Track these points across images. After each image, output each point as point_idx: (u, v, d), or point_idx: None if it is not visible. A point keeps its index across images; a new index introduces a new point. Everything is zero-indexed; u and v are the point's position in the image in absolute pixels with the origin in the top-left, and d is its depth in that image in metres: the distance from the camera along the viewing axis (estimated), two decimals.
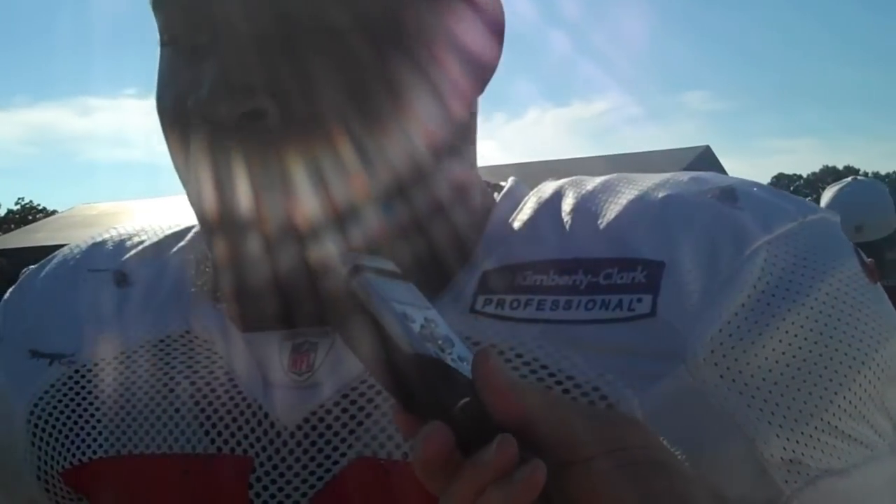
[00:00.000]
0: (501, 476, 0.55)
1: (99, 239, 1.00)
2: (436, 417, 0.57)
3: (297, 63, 0.74)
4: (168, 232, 0.97)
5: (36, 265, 1.00)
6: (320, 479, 0.77)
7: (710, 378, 0.72)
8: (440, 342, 0.60)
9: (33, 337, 0.93)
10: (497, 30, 0.84)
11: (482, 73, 0.84)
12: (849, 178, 4.41)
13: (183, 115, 0.76)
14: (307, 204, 0.74)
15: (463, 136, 0.85)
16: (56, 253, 1.00)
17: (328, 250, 0.73)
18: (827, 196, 4.27)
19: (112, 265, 0.95)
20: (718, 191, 0.81)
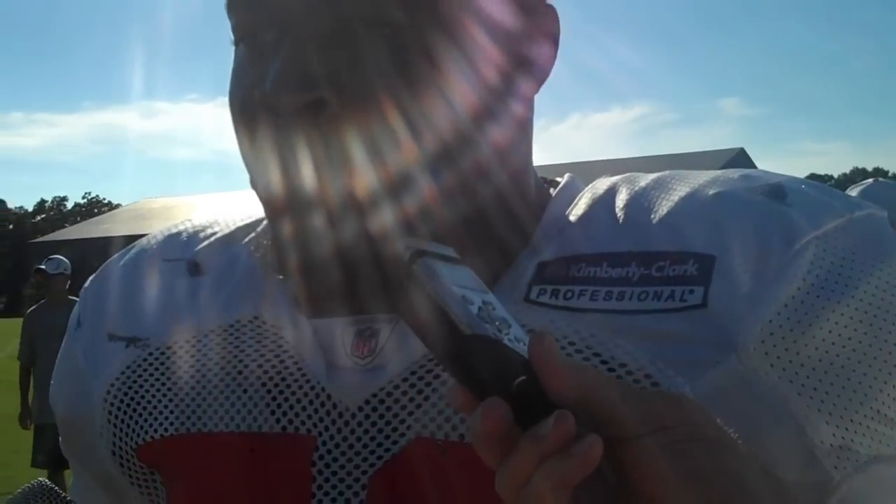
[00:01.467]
0: (558, 450, 0.56)
1: (174, 230, 1.02)
2: (494, 395, 0.58)
3: (354, 57, 0.76)
4: (239, 223, 0.99)
5: (115, 255, 1.02)
6: (380, 458, 0.78)
7: (760, 367, 0.73)
8: (497, 323, 0.61)
9: (111, 321, 0.95)
10: (549, 32, 0.85)
11: (536, 72, 0.85)
12: (870, 180, 4.38)
13: (250, 107, 0.79)
14: (368, 188, 0.75)
15: (520, 130, 0.85)
16: (134, 243, 1.03)
17: (390, 236, 0.74)
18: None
19: (186, 255, 0.97)
20: (768, 188, 0.81)
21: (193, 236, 1.00)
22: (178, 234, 1.01)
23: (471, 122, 0.78)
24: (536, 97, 0.86)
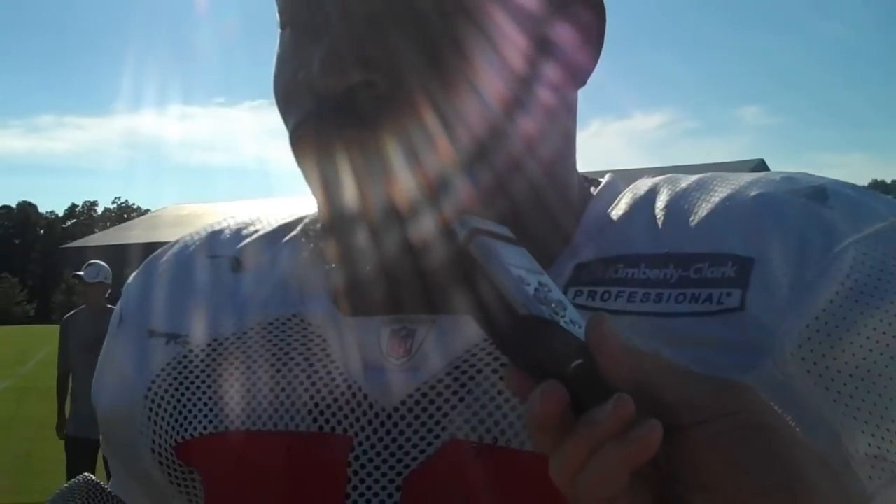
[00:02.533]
0: (616, 435, 0.54)
1: (217, 227, 1.02)
2: (549, 377, 0.57)
3: (401, 39, 0.76)
4: (281, 222, 0.99)
5: (158, 251, 1.03)
6: (415, 459, 0.78)
7: (796, 372, 0.72)
8: (553, 305, 0.60)
9: (152, 318, 0.96)
10: (585, 25, 0.84)
11: (574, 69, 0.84)
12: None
13: (295, 90, 0.79)
14: (417, 179, 0.75)
15: (562, 130, 0.85)
16: (177, 240, 1.03)
17: (445, 214, 0.73)
18: None
19: (228, 252, 0.98)
20: (810, 190, 0.79)
21: (236, 233, 1.00)
22: (221, 230, 1.01)
23: (507, 118, 0.78)
24: None
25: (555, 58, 0.82)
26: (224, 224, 1.03)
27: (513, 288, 0.59)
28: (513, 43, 0.78)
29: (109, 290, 7.47)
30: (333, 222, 0.79)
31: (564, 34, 0.82)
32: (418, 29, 0.76)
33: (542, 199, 0.83)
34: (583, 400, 0.56)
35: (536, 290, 0.60)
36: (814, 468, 0.60)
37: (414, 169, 0.75)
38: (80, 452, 7.11)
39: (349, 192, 0.76)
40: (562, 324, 0.59)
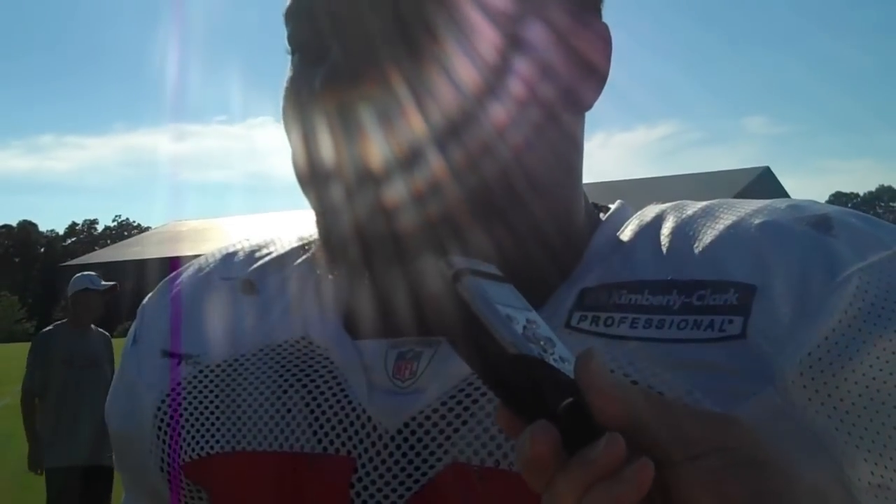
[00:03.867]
0: (608, 474, 0.54)
1: (231, 249, 1.04)
2: (539, 417, 0.57)
3: (402, 58, 0.77)
4: (294, 244, 1.00)
5: (174, 272, 1.04)
6: (416, 481, 0.78)
7: (798, 400, 0.72)
8: (542, 343, 0.60)
9: (165, 338, 0.97)
10: (591, 55, 0.85)
11: (582, 93, 0.85)
12: None
13: (299, 108, 0.81)
14: (412, 211, 0.76)
15: (566, 156, 0.86)
16: (192, 262, 1.04)
17: (432, 256, 0.73)
18: None
19: (241, 274, 0.99)
20: (814, 218, 0.80)
21: (249, 255, 1.01)
22: (235, 253, 1.03)
23: (510, 141, 0.79)
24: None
25: (551, 83, 0.82)
26: (238, 246, 1.04)
27: (501, 327, 0.59)
28: (507, 66, 0.79)
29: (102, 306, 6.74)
30: (337, 247, 0.80)
31: (560, 59, 0.83)
32: (418, 47, 0.77)
33: (549, 227, 0.84)
34: (573, 438, 0.56)
35: (525, 327, 0.60)
36: (810, 500, 0.60)
37: (418, 192, 0.76)
38: (59, 488, 6.41)
39: (327, 150, 0.78)
40: (550, 361, 0.59)
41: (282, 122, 0.85)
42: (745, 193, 60.09)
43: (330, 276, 0.88)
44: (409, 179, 0.76)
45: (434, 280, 0.63)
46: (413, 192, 0.76)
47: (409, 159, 0.76)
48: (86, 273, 6.82)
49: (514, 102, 0.79)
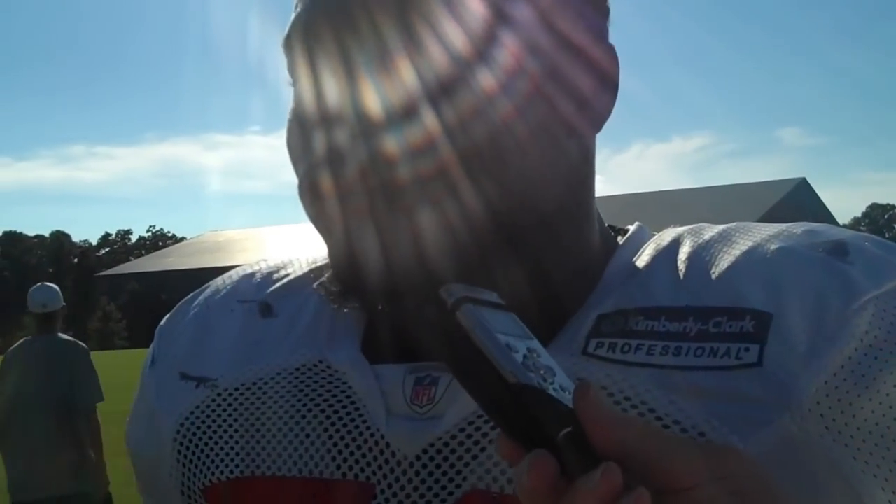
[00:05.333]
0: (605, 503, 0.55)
1: (249, 271, 1.04)
2: (539, 446, 0.57)
3: (411, 89, 0.77)
4: (312, 265, 1.00)
5: (191, 294, 1.04)
6: None
7: (814, 429, 0.72)
8: (542, 372, 0.60)
9: (183, 360, 0.97)
10: (604, 74, 0.85)
11: (592, 114, 0.85)
12: None
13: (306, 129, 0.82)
14: (423, 236, 0.77)
15: (580, 180, 0.86)
16: (210, 283, 1.05)
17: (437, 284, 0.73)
18: None
19: (258, 297, 0.99)
20: (830, 244, 0.80)
21: (267, 278, 1.01)
22: (252, 275, 1.03)
23: (524, 168, 0.79)
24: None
25: (567, 96, 0.82)
26: (256, 268, 1.04)
27: (500, 356, 0.59)
28: (537, 90, 0.79)
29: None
30: (357, 281, 0.80)
31: (576, 77, 0.82)
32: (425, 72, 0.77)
33: (561, 250, 0.84)
34: (572, 467, 0.57)
35: (525, 356, 0.60)
36: None
37: (427, 220, 0.77)
38: None
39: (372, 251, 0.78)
40: (550, 391, 0.59)
41: (287, 149, 0.85)
42: (781, 205, 59.73)
43: (345, 310, 0.89)
44: (424, 212, 0.77)
45: (434, 308, 0.63)
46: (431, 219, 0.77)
47: (426, 185, 0.76)
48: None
49: (528, 117, 0.79)
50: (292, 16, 0.83)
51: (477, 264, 0.78)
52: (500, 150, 0.77)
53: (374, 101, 0.77)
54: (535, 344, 0.63)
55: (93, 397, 6.03)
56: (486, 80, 0.77)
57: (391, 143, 0.76)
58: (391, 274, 0.77)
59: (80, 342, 6.26)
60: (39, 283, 6.44)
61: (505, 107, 0.77)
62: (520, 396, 0.58)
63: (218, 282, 1.04)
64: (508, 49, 0.78)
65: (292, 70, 0.84)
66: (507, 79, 0.78)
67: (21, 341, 6.26)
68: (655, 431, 0.61)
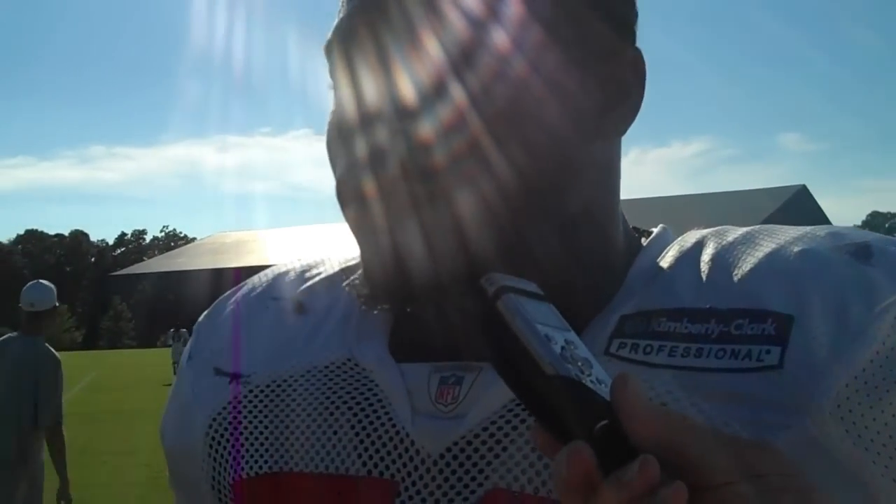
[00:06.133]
0: (642, 496, 0.55)
1: (283, 269, 1.05)
2: (575, 437, 0.57)
3: (433, 93, 0.78)
4: (344, 265, 1.01)
5: (227, 292, 1.06)
6: None
7: (834, 432, 0.71)
8: (580, 364, 0.60)
9: (218, 356, 0.98)
10: (625, 84, 0.85)
11: (608, 122, 0.84)
12: None
13: (347, 133, 0.82)
14: (463, 218, 0.77)
15: (603, 181, 0.87)
16: (246, 281, 1.06)
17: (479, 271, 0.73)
18: None
19: (292, 294, 1.00)
20: (854, 247, 0.79)
21: (300, 276, 1.02)
22: (286, 273, 1.04)
23: (539, 165, 0.79)
24: None
25: (581, 111, 0.82)
26: (290, 266, 1.05)
27: (539, 347, 0.59)
28: (552, 92, 0.80)
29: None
30: (388, 284, 0.81)
31: (591, 86, 0.82)
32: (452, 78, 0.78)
33: (585, 251, 0.84)
34: (608, 460, 0.56)
35: (563, 348, 0.60)
36: None
37: (456, 216, 0.77)
38: None
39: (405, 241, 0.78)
40: (587, 383, 0.59)
41: (327, 150, 0.86)
42: (781, 212, 59.54)
43: (374, 311, 0.89)
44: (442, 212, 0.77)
45: (475, 298, 0.63)
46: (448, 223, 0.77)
47: (461, 164, 0.77)
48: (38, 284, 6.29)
49: (543, 128, 0.79)
50: (334, 22, 0.84)
51: (515, 245, 0.79)
52: (521, 108, 0.78)
53: (408, 87, 0.77)
54: (573, 336, 0.62)
55: (55, 417, 5.88)
56: (501, 42, 0.78)
57: (426, 127, 0.77)
58: (435, 266, 0.78)
59: (54, 353, 6.05)
60: (35, 281, 6.31)
61: (521, 66, 0.78)
62: (557, 387, 0.58)
63: (254, 280, 1.05)
64: (526, 23, 0.79)
65: (333, 74, 0.85)
66: (524, 45, 0.78)
67: (5, 337, 6.19)
68: (692, 426, 0.60)
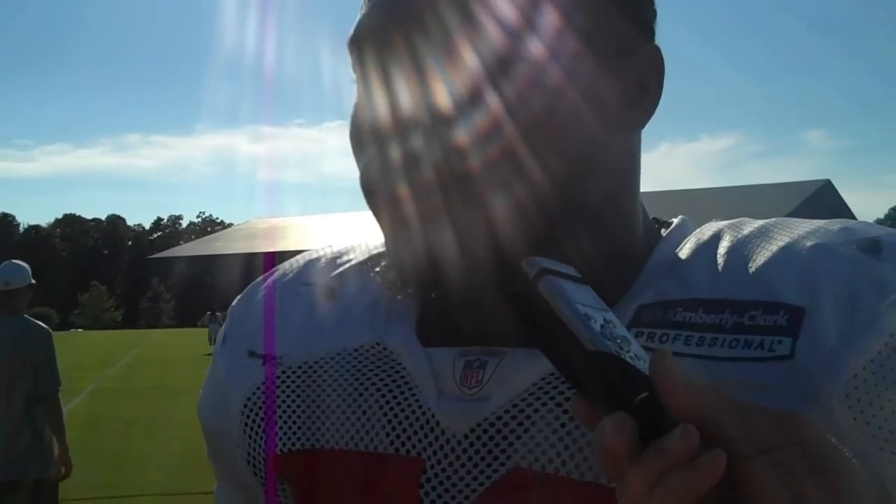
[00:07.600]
0: (682, 463, 0.56)
1: (314, 255, 1.07)
2: (615, 409, 0.59)
3: (463, 85, 0.79)
4: (374, 252, 1.03)
5: (260, 277, 1.08)
6: (482, 484, 0.80)
7: (843, 420, 0.72)
8: (619, 341, 0.62)
9: (252, 339, 1.00)
10: (643, 82, 0.86)
11: (626, 118, 0.85)
12: None
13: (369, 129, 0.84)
14: (498, 221, 0.79)
15: (622, 173, 0.87)
16: (278, 266, 1.08)
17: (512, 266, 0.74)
18: None
19: (323, 280, 1.01)
20: (864, 241, 0.80)
21: (331, 262, 1.04)
22: (318, 259, 1.05)
23: (567, 157, 0.80)
24: None
25: (599, 107, 0.82)
26: (321, 252, 1.07)
27: (580, 325, 0.61)
28: (552, 85, 0.80)
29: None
30: (417, 269, 0.82)
31: (608, 84, 0.83)
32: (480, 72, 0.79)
33: (604, 242, 0.85)
34: (647, 430, 0.58)
35: (602, 326, 0.62)
36: (873, 500, 0.61)
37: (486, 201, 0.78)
38: None
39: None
40: (626, 358, 0.61)
41: (350, 142, 0.87)
42: (806, 205, 59.12)
43: (399, 297, 0.90)
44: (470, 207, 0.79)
45: (517, 279, 0.64)
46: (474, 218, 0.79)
47: (496, 169, 0.78)
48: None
49: (574, 130, 0.81)
50: (358, 16, 0.85)
51: (544, 238, 0.80)
52: (556, 117, 0.79)
53: (444, 95, 0.78)
54: (611, 315, 0.64)
55: (53, 386, 5.83)
56: (538, 51, 0.79)
57: (462, 134, 0.78)
58: (465, 256, 0.80)
59: (43, 325, 6.00)
60: (8, 261, 6.10)
61: (557, 75, 0.79)
62: (598, 363, 0.60)
63: (286, 265, 1.07)
64: (557, 25, 0.79)
65: (359, 70, 0.86)
66: (558, 52, 0.79)
67: None
68: (728, 398, 0.62)
